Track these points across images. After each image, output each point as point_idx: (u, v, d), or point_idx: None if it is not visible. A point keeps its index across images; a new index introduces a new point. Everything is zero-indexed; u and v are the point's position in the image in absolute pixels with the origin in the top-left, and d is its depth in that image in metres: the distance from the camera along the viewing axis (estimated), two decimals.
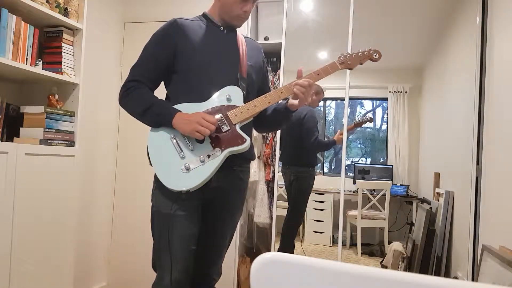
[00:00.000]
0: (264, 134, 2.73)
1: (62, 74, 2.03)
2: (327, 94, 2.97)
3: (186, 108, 1.38)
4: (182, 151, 1.35)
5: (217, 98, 1.40)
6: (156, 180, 1.38)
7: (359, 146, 3.50)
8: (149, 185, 1.45)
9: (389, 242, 2.91)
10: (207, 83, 1.41)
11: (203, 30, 1.47)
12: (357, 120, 3.09)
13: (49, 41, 2.06)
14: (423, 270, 2.48)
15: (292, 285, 0.50)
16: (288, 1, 2.61)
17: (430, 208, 2.65)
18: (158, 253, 1.41)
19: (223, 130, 1.37)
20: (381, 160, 3.31)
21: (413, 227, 2.87)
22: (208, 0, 1.51)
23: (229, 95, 1.40)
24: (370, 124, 3.39)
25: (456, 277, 2.34)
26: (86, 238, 2.59)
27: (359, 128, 3.29)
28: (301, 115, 2.74)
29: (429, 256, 2.49)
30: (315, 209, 3.09)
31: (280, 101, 1.48)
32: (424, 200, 2.87)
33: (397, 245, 2.73)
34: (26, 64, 1.86)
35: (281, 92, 1.42)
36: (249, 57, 1.51)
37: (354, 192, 3.06)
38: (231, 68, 1.45)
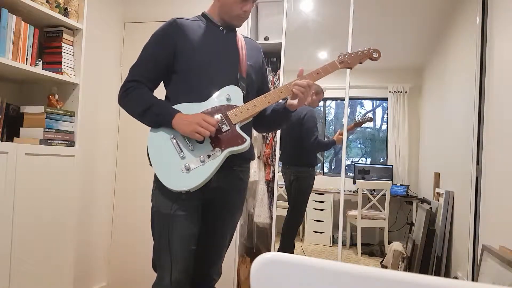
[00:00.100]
0: (264, 134, 2.74)
1: (62, 74, 2.03)
2: (327, 94, 2.97)
3: (186, 108, 1.38)
4: (182, 151, 1.34)
5: (217, 98, 1.40)
6: (156, 180, 1.38)
7: (359, 146, 3.50)
8: (149, 185, 1.45)
9: (389, 242, 2.91)
10: (207, 83, 1.41)
11: (202, 30, 1.46)
12: (357, 120, 3.10)
13: (49, 41, 2.06)
14: (423, 270, 2.48)
15: (292, 285, 0.50)
16: (288, 1, 2.61)
17: (430, 208, 2.65)
18: (158, 253, 1.41)
19: (223, 130, 1.37)
20: (381, 160, 3.31)
21: (413, 227, 2.87)
22: (208, 0, 1.51)
23: (228, 95, 1.40)
24: (370, 124, 3.39)
25: (456, 277, 2.34)
26: (86, 238, 2.59)
27: (359, 128, 3.29)
28: (301, 115, 2.74)
29: (429, 256, 2.49)
30: (315, 209, 3.09)
31: (279, 101, 1.48)
32: (424, 200, 2.87)
33: (397, 245, 2.73)
34: (26, 64, 1.86)
35: (281, 92, 1.42)
36: (249, 57, 1.51)
37: (354, 192, 3.06)
38: (231, 68, 1.45)
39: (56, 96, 2.07)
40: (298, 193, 2.84)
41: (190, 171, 1.32)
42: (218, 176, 1.36)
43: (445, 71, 2.88)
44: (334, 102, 3.43)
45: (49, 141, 1.92)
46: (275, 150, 2.67)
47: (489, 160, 2.14)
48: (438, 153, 2.87)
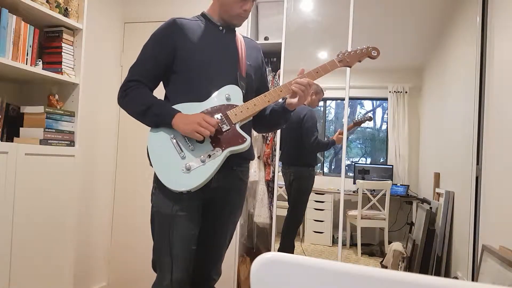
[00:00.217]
0: (264, 134, 2.74)
1: (62, 74, 2.03)
2: (327, 94, 2.97)
3: (185, 108, 1.38)
4: (182, 151, 1.34)
5: (217, 98, 1.40)
6: (156, 180, 1.38)
7: (359, 146, 3.50)
8: (149, 185, 1.45)
9: (389, 242, 2.91)
10: (207, 82, 1.41)
11: (202, 29, 1.46)
12: (356, 119, 3.10)
13: (49, 41, 2.06)
14: (423, 270, 2.48)
15: (292, 285, 0.50)
16: (288, 1, 2.61)
17: (430, 208, 2.65)
18: (158, 253, 1.41)
19: (223, 130, 1.36)
20: (381, 160, 3.31)
21: (413, 227, 2.87)
22: (208, 0, 1.51)
23: (228, 95, 1.40)
24: (370, 124, 3.39)
25: (456, 277, 2.34)
26: (86, 238, 2.59)
27: (359, 128, 3.29)
28: (301, 115, 2.74)
29: (429, 256, 2.49)
30: (315, 209, 3.09)
31: (279, 101, 1.48)
32: (424, 200, 2.87)
33: (397, 245, 2.73)
34: (26, 64, 1.86)
35: (281, 91, 1.42)
36: (248, 57, 1.51)
37: (354, 192, 3.06)
38: (230, 67, 1.45)
39: (56, 96, 2.07)
40: (298, 193, 2.84)
41: (191, 171, 1.32)
42: (218, 176, 1.36)
43: (445, 71, 2.88)
44: (334, 102, 3.43)
45: (49, 141, 1.92)
46: (275, 150, 2.67)
47: (489, 160, 2.14)
48: (438, 153, 2.87)
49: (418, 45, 3.10)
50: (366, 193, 3.05)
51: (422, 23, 2.94)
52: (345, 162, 2.51)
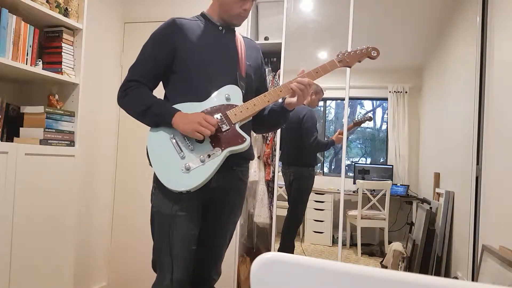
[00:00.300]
0: (264, 134, 2.73)
1: (62, 74, 2.03)
2: (327, 94, 2.97)
3: (185, 107, 1.38)
4: (182, 151, 1.34)
5: (216, 98, 1.40)
6: (156, 180, 1.38)
7: (359, 146, 3.50)
8: (149, 185, 1.45)
9: (389, 242, 2.91)
10: (206, 82, 1.41)
11: (201, 29, 1.46)
12: (356, 119, 3.10)
13: (49, 41, 2.06)
14: (423, 270, 2.48)
15: (292, 285, 0.50)
16: (288, 1, 2.61)
17: (430, 208, 2.65)
18: (158, 253, 1.41)
19: (223, 130, 1.36)
20: (381, 160, 3.31)
21: (413, 227, 2.87)
22: (208, 0, 1.51)
23: (228, 95, 1.40)
24: (370, 124, 3.39)
25: (456, 277, 2.34)
26: (86, 238, 2.59)
27: (359, 128, 3.29)
28: (301, 115, 2.74)
29: (429, 256, 2.49)
30: (315, 209, 3.09)
31: (278, 101, 1.48)
32: (424, 200, 2.87)
33: (397, 245, 2.73)
34: (26, 64, 1.86)
35: (280, 91, 1.42)
36: (248, 57, 1.51)
37: (354, 192, 3.06)
38: (230, 67, 1.45)
39: (56, 96, 2.07)
40: (298, 193, 2.84)
41: (190, 171, 1.32)
42: (218, 176, 1.36)
43: (445, 71, 2.88)
44: (334, 102, 3.43)
45: (49, 141, 1.92)
46: (275, 150, 2.67)
47: (489, 160, 2.14)
48: (438, 153, 2.87)
49: (418, 45, 3.10)
50: (366, 193, 3.05)
51: (422, 23, 2.94)
52: (345, 162, 2.51)
